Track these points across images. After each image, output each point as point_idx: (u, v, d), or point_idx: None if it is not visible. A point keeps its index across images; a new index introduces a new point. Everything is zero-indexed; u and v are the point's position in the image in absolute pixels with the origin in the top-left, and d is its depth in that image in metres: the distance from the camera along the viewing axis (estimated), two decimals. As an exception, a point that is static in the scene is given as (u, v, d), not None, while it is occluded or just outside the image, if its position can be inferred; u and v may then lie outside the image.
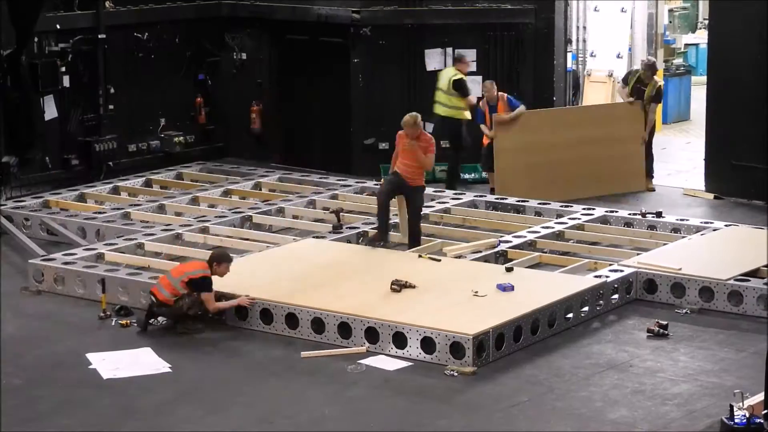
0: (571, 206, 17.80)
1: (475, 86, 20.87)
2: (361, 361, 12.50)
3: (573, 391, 11.85)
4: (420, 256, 15.10)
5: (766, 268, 14.61)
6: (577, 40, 25.20)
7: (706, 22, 24.30)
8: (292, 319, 13.31)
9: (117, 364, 12.51)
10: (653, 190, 19.76)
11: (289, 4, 21.33)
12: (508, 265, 14.54)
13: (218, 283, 13.54)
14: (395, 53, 20.91)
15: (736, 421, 10.18)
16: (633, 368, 12.40)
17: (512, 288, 13.60)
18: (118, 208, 17.88)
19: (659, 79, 20.56)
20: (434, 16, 20.86)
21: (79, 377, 12.25)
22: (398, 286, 13.64)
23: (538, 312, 13.18)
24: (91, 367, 12.48)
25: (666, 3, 26.73)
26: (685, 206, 18.91)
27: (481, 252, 15.39)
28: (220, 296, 13.56)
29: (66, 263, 14.92)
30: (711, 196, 19.46)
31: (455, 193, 18.58)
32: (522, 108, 19.11)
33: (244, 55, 22.11)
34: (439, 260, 14.88)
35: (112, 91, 20.54)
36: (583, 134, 19.38)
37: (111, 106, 20.54)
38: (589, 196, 18.93)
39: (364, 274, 14.42)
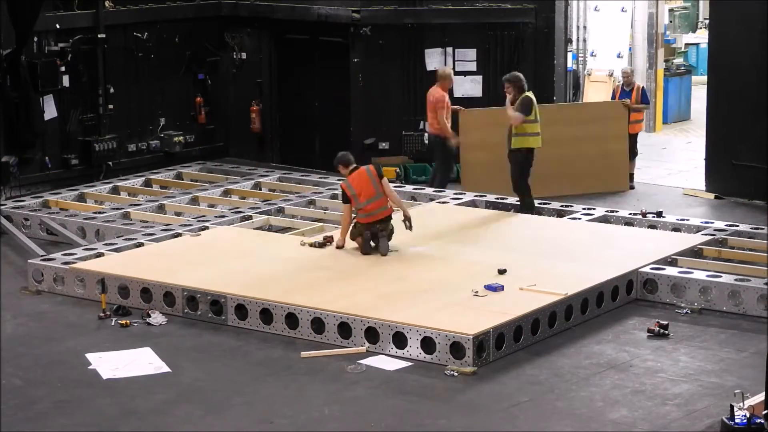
0: (572, 206, 17.80)
1: (475, 86, 20.89)
2: (361, 361, 12.49)
3: (573, 391, 11.84)
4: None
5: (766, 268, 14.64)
6: (578, 40, 25.22)
7: (707, 21, 24.36)
8: (292, 319, 13.31)
9: (117, 364, 12.50)
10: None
11: (289, 4, 21.34)
12: (500, 267, 14.46)
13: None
14: (395, 53, 20.92)
15: (736, 421, 10.17)
16: (633, 368, 12.39)
17: (502, 288, 13.61)
18: (118, 208, 17.88)
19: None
20: (434, 15, 20.87)
21: (79, 377, 12.23)
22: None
23: (538, 312, 13.18)
24: (90, 367, 12.47)
25: (666, 2, 26.74)
26: (686, 206, 18.92)
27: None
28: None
29: (65, 263, 14.93)
30: (711, 195, 19.47)
31: (455, 193, 18.57)
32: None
33: (244, 55, 22.13)
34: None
35: (111, 90, 20.56)
36: (562, 131, 19.36)
37: (111, 106, 20.56)
38: (566, 193, 19.03)
39: (364, 274, 14.43)
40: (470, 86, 20.89)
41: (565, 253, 15.28)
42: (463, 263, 14.85)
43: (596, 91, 25.02)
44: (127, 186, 19.42)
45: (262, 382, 12.09)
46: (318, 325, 13.14)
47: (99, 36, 20.26)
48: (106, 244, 15.88)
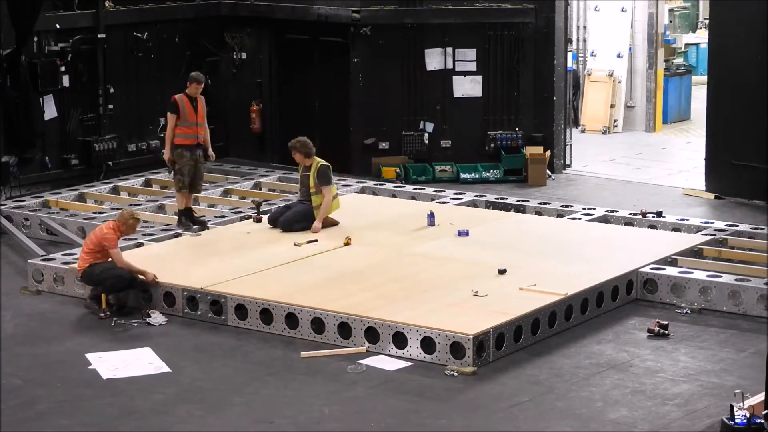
0: (572, 206, 17.81)
1: (476, 86, 20.89)
2: (361, 361, 12.49)
3: (573, 391, 11.84)
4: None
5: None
6: (578, 40, 25.21)
7: (707, 21, 24.34)
8: (292, 319, 13.31)
9: (117, 364, 12.50)
10: None
11: (289, 4, 21.33)
12: (500, 267, 14.45)
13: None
14: (395, 53, 20.90)
15: (736, 421, 10.17)
16: (633, 368, 12.39)
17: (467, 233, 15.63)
18: (118, 208, 17.85)
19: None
20: (434, 15, 20.86)
21: (79, 377, 12.24)
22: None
23: (538, 312, 13.18)
24: (90, 367, 12.47)
25: (666, 2, 26.72)
26: (686, 206, 18.92)
27: None
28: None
29: (65, 263, 14.92)
30: (711, 195, 19.46)
31: (455, 193, 18.56)
32: None
33: (244, 55, 22.11)
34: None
35: (111, 90, 20.54)
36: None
37: (111, 106, 20.55)
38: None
39: (364, 274, 14.43)
40: (470, 86, 20.88)
41: (565, 253, 15.28)
42: (463, 263, 14.85)
43: (596, 91, 25.01)
44: (127, 186, 19.42)
45: (262, 382, 12.09)
46: (318, 325, 13.14)
47: (99, 36, 20.24)
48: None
